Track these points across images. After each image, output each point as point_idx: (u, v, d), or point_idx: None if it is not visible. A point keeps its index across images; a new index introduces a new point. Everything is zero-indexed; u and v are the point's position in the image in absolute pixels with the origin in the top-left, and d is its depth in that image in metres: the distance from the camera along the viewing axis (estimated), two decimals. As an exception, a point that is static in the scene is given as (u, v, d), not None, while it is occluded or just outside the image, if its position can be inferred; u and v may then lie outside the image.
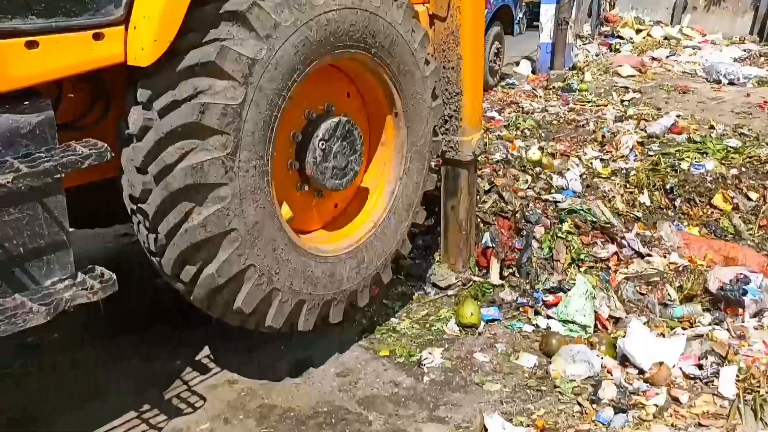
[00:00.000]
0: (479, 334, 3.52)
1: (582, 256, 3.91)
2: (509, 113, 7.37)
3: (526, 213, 4.17)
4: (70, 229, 2.19)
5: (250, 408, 2.87)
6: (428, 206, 4.09)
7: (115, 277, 2.11)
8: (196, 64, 2.16)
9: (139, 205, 2.35)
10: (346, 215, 3.23)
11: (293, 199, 2.87)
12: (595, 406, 2.87)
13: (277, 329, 2.77)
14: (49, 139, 2.00)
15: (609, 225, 4.17)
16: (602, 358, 3.18)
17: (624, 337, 3.24)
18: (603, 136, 5.99)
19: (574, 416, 2.85)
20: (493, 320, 3.64)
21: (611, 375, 3.08)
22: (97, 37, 2.05)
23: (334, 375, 3.13)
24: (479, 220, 4.16)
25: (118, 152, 2.35)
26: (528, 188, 4.57)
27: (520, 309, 3.75)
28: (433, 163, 3.52)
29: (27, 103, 1.98)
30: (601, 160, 5.47)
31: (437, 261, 4.12)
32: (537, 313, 3.68)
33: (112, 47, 2.09)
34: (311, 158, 2.75)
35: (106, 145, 2.03)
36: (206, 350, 3.28)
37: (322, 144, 2.75)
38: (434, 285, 3.98)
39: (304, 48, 2.43)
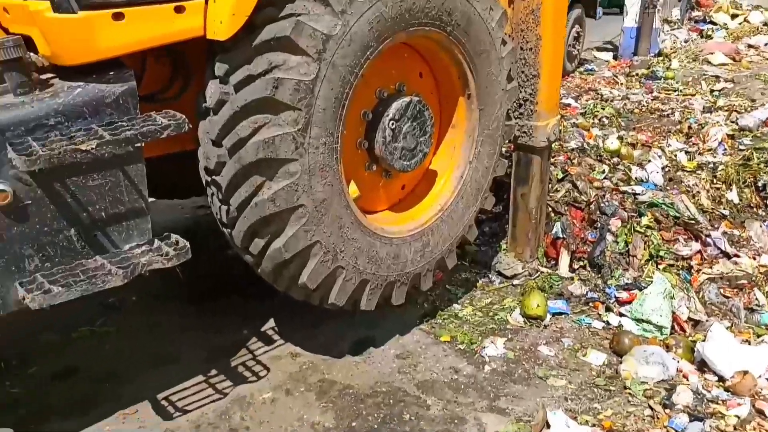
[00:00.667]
0: (545, 326, 3.40)
1: (661, 253, 3.69)
2: (587, 100, 7.05)
3: (602, 204, 3.97)
4: (150, 199, 2.29)
5: (311, 381, 2.92)
6: (497, 193, 3.98)
7: (188, 245, 2.18)
8: (272, 38, 2.17)
9: (213, 177, 2.41)
10: (413, 197, 3.19)
11: (361, 179, 2.86)
12: (668, 411, 2.71)
13: (339, 306, 2.79)
14: (131, 108, 2.07)
15: (693, 221, 3.90)
16: (678, 361, 3.00)
17: (704, 341, 3.04)
18: (689, 128, 5.61)
19: (644, 420, 2.71)
20: (560, 313, 3.52)
21: (687, 380, 2.90)
22: (179, 10, 2.10)
23: (394, 356, 3.13)
24: (550, 209, 4.01)
25: (196, 125, 2.42)
26: (604, 178, 4.35)
27: (590, 304, 3.60)
28: (504, 149, 3.42)
29: (112, 73, 2.07)
30: (686, 152, 5.14)
31: (504, 249, 4.01)
32: (608, 309, 3.52)
33: (192, 20, 2.14)
34: (381, 138, 2.72)
35: (184, 116, 2.09)
36: (272, 323, 3.36)
37: (392, 124, 2.72)
38: (499, 273, 3.89)
39: (378, 24, 2.39)
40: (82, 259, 2.09)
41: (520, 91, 3.46)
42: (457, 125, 3.16)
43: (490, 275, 3.90)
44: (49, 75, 2.06)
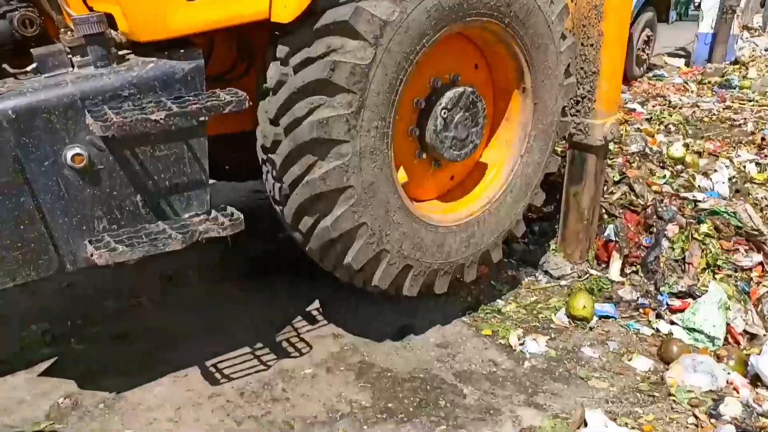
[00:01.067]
0: (590, 328, 3.34)
1: (719, 262, 3.54)
2: (653, 106, 6.82)
3: (659, 209, 3.85)
4: (210, 181, 2.42)
5: (351, 362, 2.99)
6: (550, 193, 3.94)
7: (242, 217, 2.30)
8: (331, 23, 2.26)
9: (269, 155, 2.53)
10: (461, 188, 3.20)
11: (410, 166, 2.91)
12: (713, 421, 2.62)
13: (382, 290, 2.85)
14: (198, 85, 2.21)
15: (756, 232, 3.72)
16: (729, 373, 2.88)
17: (759, 354, 2.90)
18: (763, 139, 5.35)
19: (687, 428, 2.62)
20: (607, 317, 3.44)
21: (737, 393, 2.78)
22: (247, -8, 2.22)
23: (434, 345, 3.16)
24: (604, 210, 3.92)
25: (257, 106, 2.54)
26: (665, 183, 4.21)
27: (640, 310, 3.50)
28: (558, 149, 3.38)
29: (182, 51, 2.21)
30: (757, 164, 4.90)
31: (553, 249, 3.96)
32: (659, 316, 3.42)
33: (259, 3, 2.25)
34: (432, 126, 2.76)
35: (245, 94, 2.20)
36: (317, 304, 3.46)
37: (444, 113, 2.76)
38: (546, 273, 3.84)
39: (435, 13, 2.44)
40: (146, 223, 2.25)
41: (579, 88, 3.41)
42: (510, 119, 3.16)
43: (537, 274, 3.86)
44: (126, 51, 2.22)
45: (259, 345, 3.09)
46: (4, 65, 2.14)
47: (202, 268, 3.84)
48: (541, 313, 3.47)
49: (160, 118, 2.01)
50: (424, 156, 2.92)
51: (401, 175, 2.80)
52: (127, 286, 3.61)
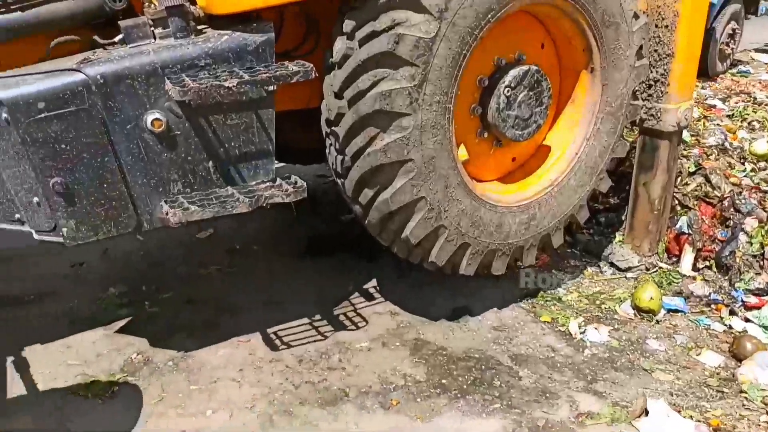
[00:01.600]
0: (657, 321, 3.21)
1: (802, 259, 3.31)
2: (736, 103, 6.43)
3: (737, 201, 3.64)
4: (277, 164, 2.52)
5: (406, 338, 3.02)
6: (617, 183, 3.82)
7: (306, 185, 2.38)
8: (397, -3, 2.30)
9: (332, 128, 2.60)
10: (522, 171, 3.17)
11: (471, 145, 2.91)
12: (789, 419, 2.46)
13: (439, 266, 2.86)
14: (268, 57, 2.31)
15: None
16: (808, 372, 2.69)
17: (844, 355, 2.70)
18: None
19: (759, 425, 2.48)
20: (675, 311, 3.30)
21: (816, 393, 2.60)
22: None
23: (490, 327, 3.14)
24: (676, 202, 3.75)
25: (321, 82, 2.62)
26: (744, 176, 3.97)
27: (712, 306, 3.33)
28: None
29: (255, 25, 2.32)
30: None
31: (619, 241, 3.83)
32: (732, 313, 3.24)
33: (327, -22, 2.33)
34: (494, 104, 2.75)
35: (312, 65, 2.28)
36: (375, 282, 3.52)
37: (508, 91, 2.74)
38: (612, 265, 3.72)
39: (501, -12, 2.43)
40: (216, 187, 2.37)
41: (651, 71, 3.29)
42: (576, 100, 3.09)
43: (601, 266, 3.74)
44: (203, 25, 2.36)
45: (318, 317, 3.18)
46: (95, 36, 2.32)
47: (266, 244, 3.99)
48: (604, 304, 3.37)
49: (233, 85, 2.12)
50: (486, 135, 2.91)
51: (462, 153, 2.81)
52: (197, 257, 3.80)
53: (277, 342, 2.98)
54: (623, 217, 3.85)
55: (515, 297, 3.39)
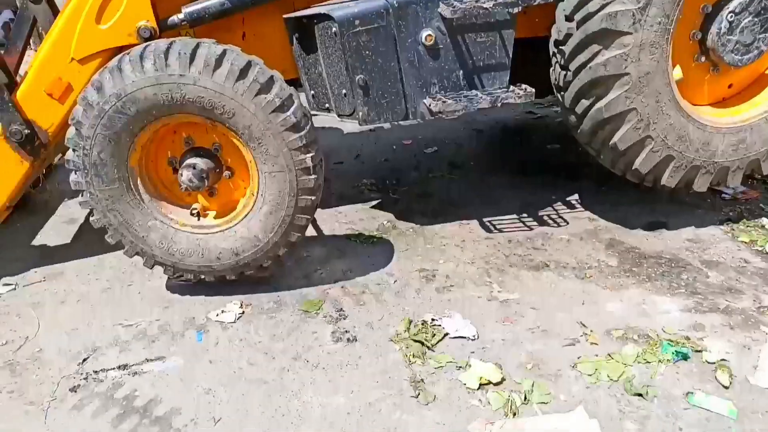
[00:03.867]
0: None
1: None
2: None
3: None
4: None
5: (602, 237, 3.52)
6: None
7: (533, 91, 3.00)
8: (632, -70, 2.73)
9: (560, 47, 3.14)
10: (738, 98, 3.35)
11: (688, 69, 3.20)
12: None
13: (641, 175, 3.27)
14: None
15: None
16: None
17: None
18: None
19: None
20: None
21: None
22: None
23: (685, 239, 3.46)
24: None
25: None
26: None
27: None
28: None
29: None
30: None
31: None
32: None
33: None
34: (715, 29, 3.01)
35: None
36: (576, 196, 4.02)
37: (731, 16, 2.98)
38: (831, 204, 3.69)
39: None
40: (463, 90, 3.12)
41: None
42: (807, 29, 3.16)
43: (819, 204, 3.73)
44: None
45: (525, 215, 3.82)
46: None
47: (481, 163, 4.72)
48: (814, 236, 3.44)
49: (489, 6, 2.80)
50: (703, 60, 3.18)
51: (677, 73, 3.13)
52: (425, 166, 4.68)
53: (491, 227, 3.70)
54: None
55: (715, 221, 3.62)
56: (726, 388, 2.32)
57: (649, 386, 2.34)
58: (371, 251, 3.53)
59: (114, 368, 2.63)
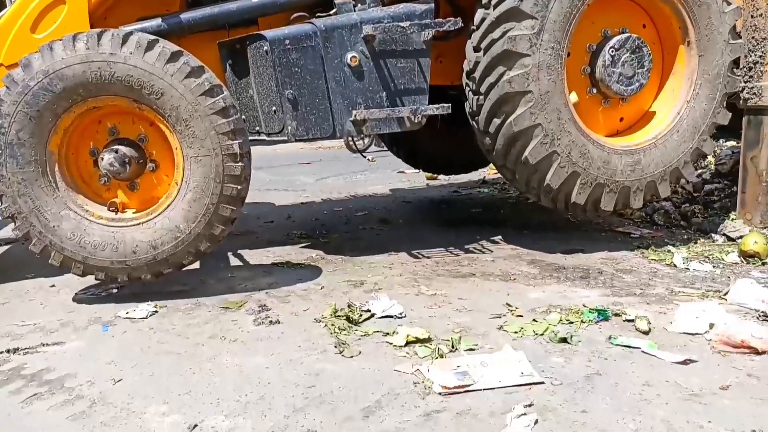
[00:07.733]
0: (763, 263, 3.49)
1: None
2: None
3: None
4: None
5: (524, 258, 3.65)
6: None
7: (449, 105, 3.29)
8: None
9: (471, 75, 3.52)
10: (629, 132, 3.78)
11: (583, 100, 3.63)
12: None
13: (555, 193, 3.50)
14: (428, 19, 3.35)
15: None
16: None
17: None
18: None
19: None
20: (783, 259, 3.54)
21: None
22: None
23: (600, 258, 3.64)
24: (786, 174, 4.03)
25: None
26: None
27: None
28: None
29: (421, 0, 3.40)
30: None
31: (732, 218, 4.15)
32: None
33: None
34: (601, 62, 3.50)
35: (460, 18, 3.27)
36: (500, 236, 4.20)
37: (612, 51, 3.48)
38: (724, 235, 4.03)
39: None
40: (386, 108, 3.36)
41: (750, 56, 3.83)
42: (677, 72, 3.72)
43: (713, 236, 4.07)
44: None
45: (452, 248, 3.92)
46: (318, 13, 3.54)
47: (408, 219, 4.89)
48: (711, 254, 3.71)
49: (405, 26, 3.17)
50: (595, 91, 3.63)
51: (573, 97, 3.53)
52: (356, 223, 4.79)
53: (418, 255, 3.76)
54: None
55: (627, 247, 3.85)
56: (645, 333, 2.34)
57: (573, 335, 2.33)
58: (299, 272, 3.46)
59: (2, 351, 2.33)
